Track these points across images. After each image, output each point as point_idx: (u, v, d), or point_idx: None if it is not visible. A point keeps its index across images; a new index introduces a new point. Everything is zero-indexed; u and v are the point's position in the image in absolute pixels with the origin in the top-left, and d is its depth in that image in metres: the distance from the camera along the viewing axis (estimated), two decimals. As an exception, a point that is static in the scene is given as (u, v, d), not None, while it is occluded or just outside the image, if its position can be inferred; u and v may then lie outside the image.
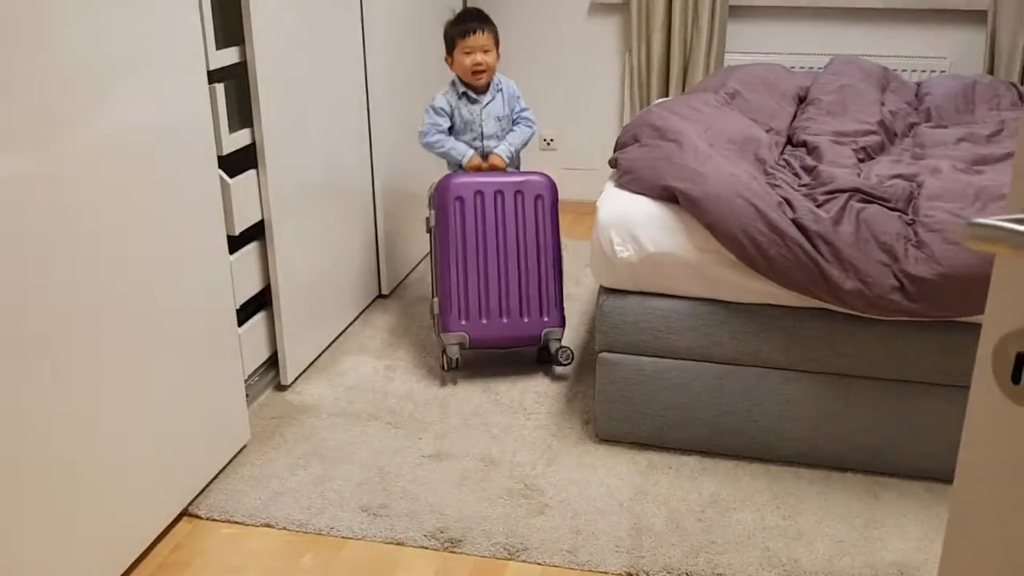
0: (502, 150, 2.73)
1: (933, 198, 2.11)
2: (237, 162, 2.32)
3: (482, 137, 2.75)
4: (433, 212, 2.64)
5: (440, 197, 2.61)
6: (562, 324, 2.66)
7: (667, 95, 3.87)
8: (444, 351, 2.65)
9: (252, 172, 2.36)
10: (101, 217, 1.72)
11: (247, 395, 2.38)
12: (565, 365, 2.66)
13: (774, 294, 2.11)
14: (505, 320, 2.62)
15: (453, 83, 2.76)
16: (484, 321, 2.61)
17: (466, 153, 2.71)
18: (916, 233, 2.02)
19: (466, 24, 2.69)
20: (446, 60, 2.76)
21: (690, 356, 2.20)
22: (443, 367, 2.69)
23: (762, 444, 2.22)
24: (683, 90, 3.82)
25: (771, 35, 3.82)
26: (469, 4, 2.88)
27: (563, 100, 4.08)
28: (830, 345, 2.11)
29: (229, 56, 2.21)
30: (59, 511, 1.66)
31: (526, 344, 2.67)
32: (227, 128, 2.21)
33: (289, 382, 2.61)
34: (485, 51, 2.68)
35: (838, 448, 2.18)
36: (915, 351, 2.07)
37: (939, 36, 3.65)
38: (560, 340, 2.66)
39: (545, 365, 2.74)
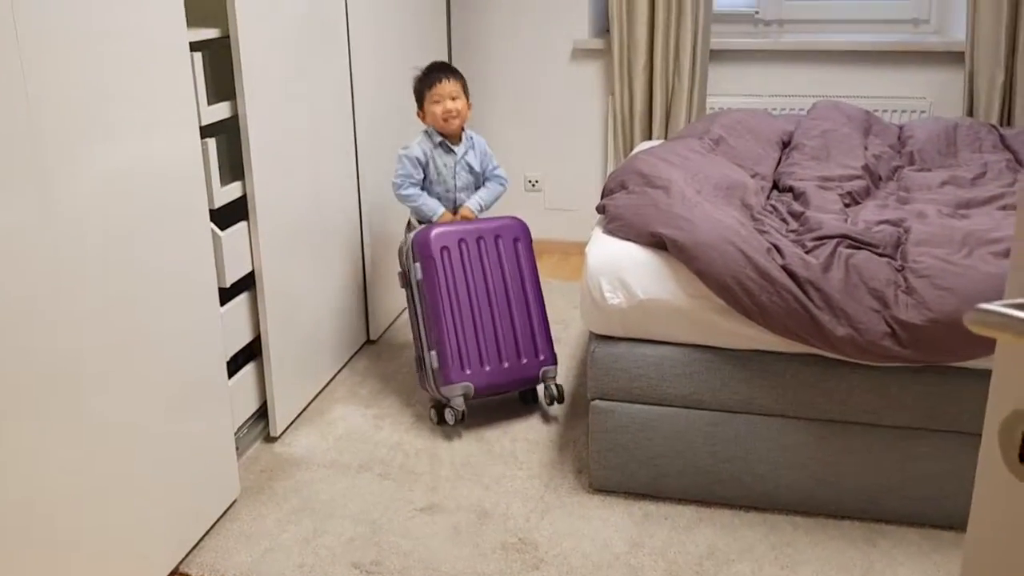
0: (472, 204, 2.79)
1: (921, 244, 2.12)
2: (227, 213, 2.31)
3: (455, 189, 2.79)
4: (417, 266, 2.60)
5: (424, 250, 2.59)
6: (555, 361, 2.70)
7: (650, 137, 3.90)
8: (439, 405, 2.63)
9: (243, 224, 2.35)
10: (91, 269, 1.70)
11: (237, 448, 2.35)
12: (560, 402, 2.69)
13: (765, 340, 2.12)
14: (506, 364, 2.63)
15: (427, 132, 2.79)
16: (487, 368, 2.60)
17: (437, 210, 2.75)
18: (906, 279, 2.03)
19: (432, 75, 2.75)
20: (418, 115, 2.82)
21: (683, 403, 2.20)
22: (435, 421, 2.65)
23: (758, 492, 2.21)
24: (666, 132, 3.86)
25: (752, 78, 3.87)
26: (440, 59, 2.97)
27: (547, 142, 4.11)
28: (823, 391, 2.11)
29: (220, 111, 2.22)
30: (43, 574, 1.64)
31: (525, 386, 2.69)
32: (219, 182, 2.21)
33: (279, 433, 2.58)
34: (453, 98, 2.72)
35: (834, 496, 2.17)
36: (908, 396, 2.07)
37: (919, 77, 3.71)
38: (555, 378, 2.68)
39: (531, 406, 2.75)
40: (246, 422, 2.51)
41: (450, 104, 2.71)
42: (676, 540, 2.13)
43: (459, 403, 2.55)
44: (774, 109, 3.79)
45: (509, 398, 2.76)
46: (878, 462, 2.13)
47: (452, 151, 2.77)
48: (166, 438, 1.97)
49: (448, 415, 2.59)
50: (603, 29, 4.11)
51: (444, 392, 2.57)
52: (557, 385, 2.66)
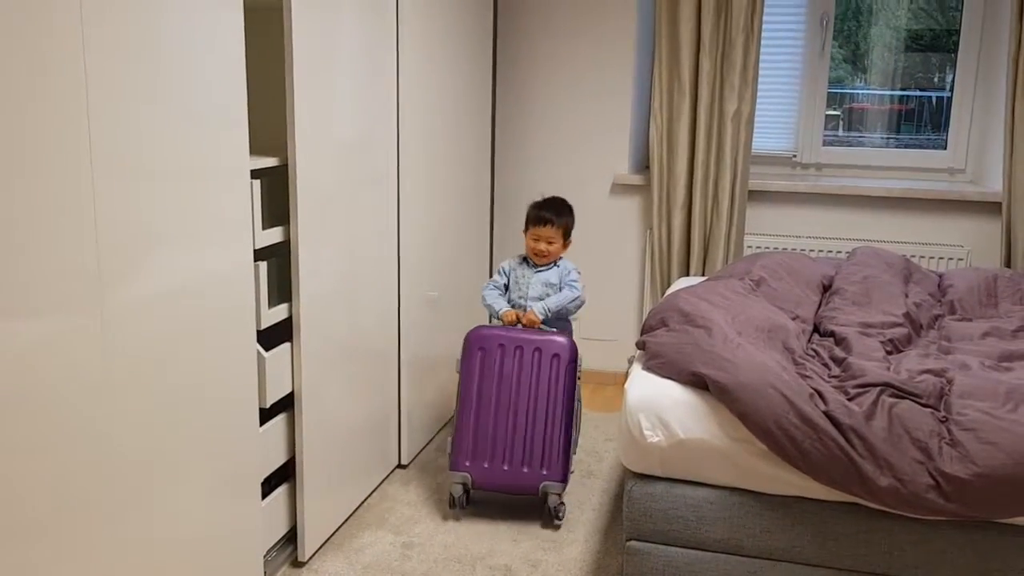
0: (538, 308, 2.97)
1: (964, 396, 2.10)
2: (271, 334, 2.35)
3: (527, 297, 3.04)
4: (458, 359, 2.89)
5: (466, 344, 2.88)
6: (563, 479, 2.77)
7: (688, 273, 3.94)
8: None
9: (287, 345, 2.38)
10: (138, 381, 1.73)
11: (264, 572, 2.32)
12: (559, 520, 2.79)
13: (808, 487, 2.08)
14: (506, 467, 2.78)
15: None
16: (486, 465, 2.79)
17: (501, 308, 3.00)
18: (950, 431, 2.01)
19: (541, 213, 3.04)
20: (523, 232, 3.11)
21: (722, 548, 2.15)
22: (450, 505, 2.86)
23: (797, 646, 2.13)
24: (704, 268, 3.90)
25: (789, 219, 3.93)
26: (548, 198, 3.17)
27: (585, 272, 4.13)
28: (866, 543, 2.06)
29: (274, 236, 2.28)
30: None
31: (526, 493, 2.78)
32: (267, 304, 2.25)
33: (306, 559, 2.54)
34: (549, 242, 3.02)
35: (877, 654, 2.09)
36: (954, 551, 2.01)
37: (956, 225, 3.75)
38: (560, 495, 2.76)
39: (548, 524, 2.81)
40: (275, 545, 2.48)
41: (543, 246, 3.03)
42: None
43: (456, 490, 2.80)
44: (811, 251, 3.83)
45: (545, 533, 2.71)
46: (924, 621, 2.05)
47: (532, 266, 3.07)
48: (196, 558, 1.95)
49: (450, 497, 2.84)
50: (643, 165, 4.22)
51: (449, 476, 2.82)
52: (557, 507, 2.76)
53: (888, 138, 4.15)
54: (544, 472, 2.76)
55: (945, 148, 3.99)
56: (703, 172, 3.82)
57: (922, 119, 4.12)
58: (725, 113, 3.76)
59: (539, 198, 3.13)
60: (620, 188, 4.07)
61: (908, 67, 4.10)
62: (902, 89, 4.13)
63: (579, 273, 3.10)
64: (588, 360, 4.12)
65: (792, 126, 4.11)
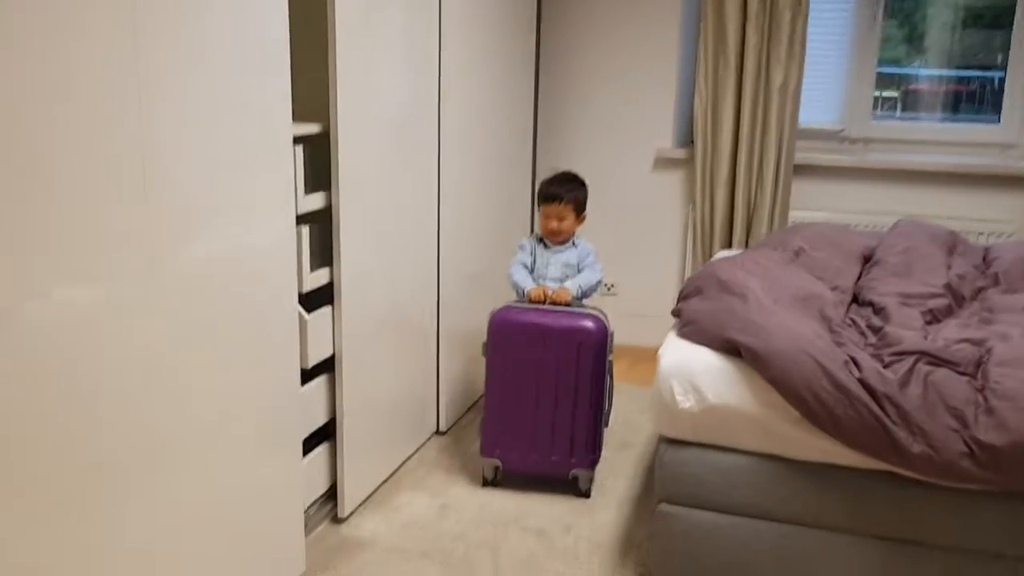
0: (571, 284, 2.93)
1: (1003, 364, 2.08)
2: (312, 297, 2.41)
3: (546, 277, 2.99)
4: (484, 342, 2.84)
5: (490, 329, 2.81)
6: (591, 465, 2.80)
7: (730, 248, 3.93)
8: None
9: (328, 308, 2.44)
10: (181, 345, 1.78)
11: (305, 526, 2.39)
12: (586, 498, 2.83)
13: (839, 453, 2.08)
14: (535, 456, 2.80)
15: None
16: (514, 455, 2.82)
17: (527, 286, 2.93)
18: (986, 399, 1.99)
19: (550, 190, 2.97)
20: (537, 209, 3.06)
21: (752, 513, 2.16)
22: (483, 484, 2.90)
23: (826, 611, 2.14)
24: (747, 244, 3.88)
25: (835, 194, 3.89)
26: (560, 171, 3.10)
27: (626, 248, 4.16)
28: (898, 510, 2.05)
29: (316, 201, 2.34)
30: (116, 637, 1.67)
31: (556, 478, 2.82)
32: (309, 268, 2.31)
33: (346, 515, 2.62)
34: (560, 219, 2.95)
35: (906, 620, 2.09)
36: (987, 520, 2.00)
37: (1005, 201, 3.68)
38: (590, 480, 2.81)
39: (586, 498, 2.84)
40: (315, 501, 2.55)
41: (554, 224, 2.96)
42: (739, 655, 2.07)
43: (489, 473, 2.86)
44: (857, 226, 3.79)
45: (577, 500, 2.76)
46: (955, 589, 2.05)
47: (550, 248, 3.01)
48: (239, 512, 2.02)
49: (483, 479, 2.89)
50: (687, 139, 4.20)
51: (481, 460, 2.88)
52: (588, 489, 2.81)
53: (946, 119, 4.07)
54: (573, 460, 2.77)
55: (998, 122, 3.91)
56: (748, 146, 3.80)
57: (983, 100, 4.03)
58: (771, 86, 3.73)
59: (550, 173, 3.05)
60: (663, 162, 4.06)
61: (968, 46, 4.01)
62: (962, 67, 4.04)
63: (596, 255, 3.03)
64: (627, 335, 4.13)
65: (841, 100, 4.06)
